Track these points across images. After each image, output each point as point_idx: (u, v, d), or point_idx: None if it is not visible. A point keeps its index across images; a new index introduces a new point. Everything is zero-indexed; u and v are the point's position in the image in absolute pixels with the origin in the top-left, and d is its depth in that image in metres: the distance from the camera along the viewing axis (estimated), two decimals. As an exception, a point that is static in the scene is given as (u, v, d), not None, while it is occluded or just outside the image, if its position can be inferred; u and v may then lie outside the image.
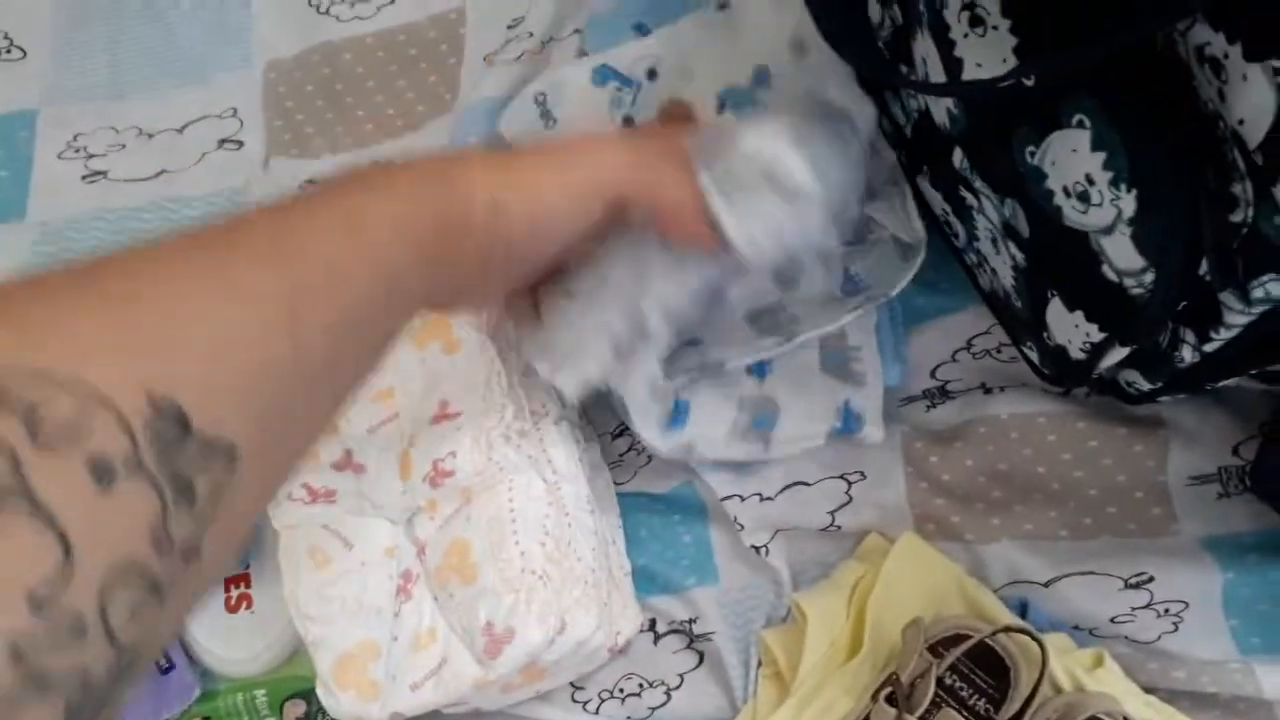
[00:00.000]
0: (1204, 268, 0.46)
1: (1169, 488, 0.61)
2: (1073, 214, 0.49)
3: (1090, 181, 0.46)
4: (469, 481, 0.57)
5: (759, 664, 0.61)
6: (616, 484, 0.67)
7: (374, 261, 0.36)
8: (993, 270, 0.60)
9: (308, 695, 0.63)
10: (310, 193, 0.37)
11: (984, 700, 0.55)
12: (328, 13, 0.78)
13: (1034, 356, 0.61)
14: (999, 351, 0.66)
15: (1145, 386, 0.58)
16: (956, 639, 0.54)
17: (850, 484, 0.63)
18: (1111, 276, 0.49)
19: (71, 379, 0.25)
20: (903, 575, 0.59)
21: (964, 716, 0.53)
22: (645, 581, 0.64)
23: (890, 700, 0.54)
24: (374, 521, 0.59)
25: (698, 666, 0.63)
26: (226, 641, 0.64)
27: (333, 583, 0.58)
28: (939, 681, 0.54)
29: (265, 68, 0.78)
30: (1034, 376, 0.63)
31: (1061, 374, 0.59)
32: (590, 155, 0.45)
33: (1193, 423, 0.61)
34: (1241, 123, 0.42)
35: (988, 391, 0.64)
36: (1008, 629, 0.55)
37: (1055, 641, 0.57)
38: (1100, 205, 0.47)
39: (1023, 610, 0.59)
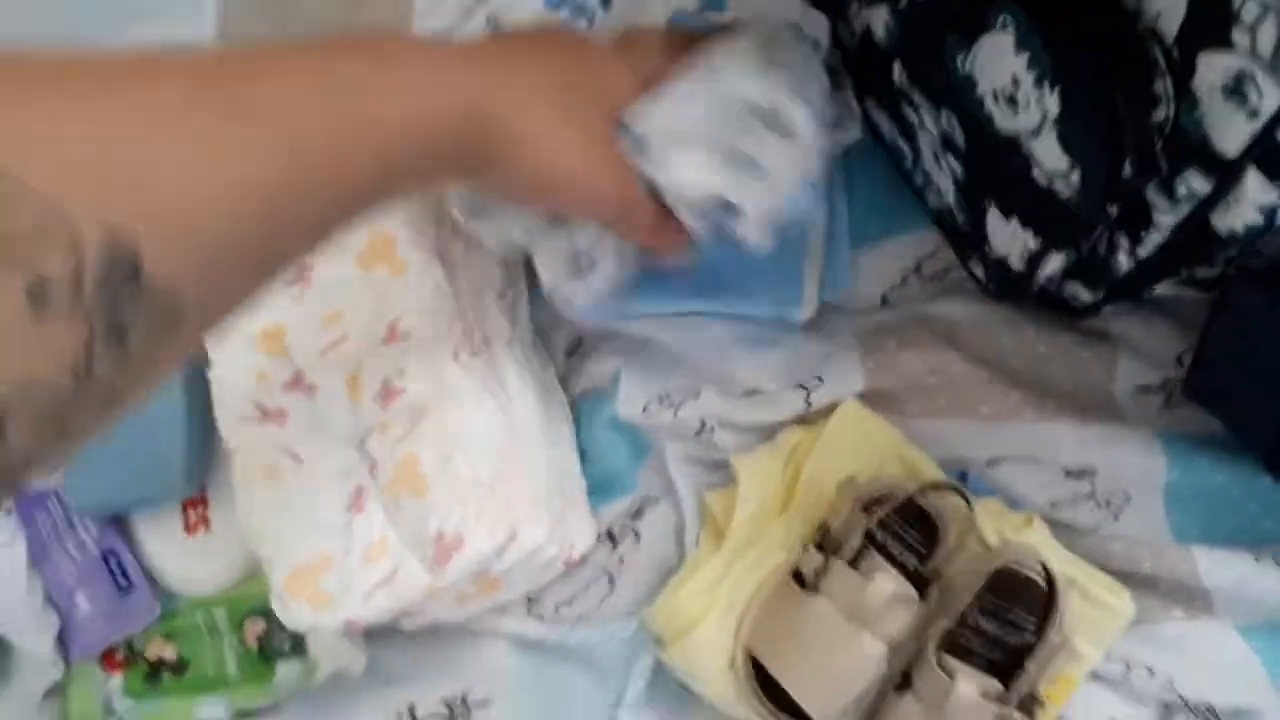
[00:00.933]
0: (1131, 170, 0.46)
1: (1116, 396, 0.61)
2: (1002, 119, 0.49)
3: (1016, 84, 0.47)
4: (419, 400, 0.57)
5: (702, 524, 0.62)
6: (573, 396, 0.67)
7: (375, 151, 0.35)
8: (938, 188, 0.60)
9: (267, 612, 0.64)
10: (320, 46, 0.35)
11: (913, 556, 0.56)
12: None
13: (980, 273, 0.62)
14: (947, 274, 0.66)
15: (1088, 298, 0.58)
16: (888, 498, 0.56)
17: (808, 390, 0.63)
18: (1042, 180, 0.49)
19: (41, 196, 0.24)
20: (842, 439, 0.60)
21: (892, 567, 0.54)
22: (600, 490, 0.65)
23: (819, 548, 0.55)
24: (326, 440, 0.60)
25: (636, 543, 0.64)
26: (185, 562, 0.65)
27: (285, 499, 0.59)
28: (869, 536, 0.55)
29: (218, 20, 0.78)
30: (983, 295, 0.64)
31: (1005, 288, 0.60)
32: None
33: (1139, 334, 0.61)
34: (1159, 16, 0.42)
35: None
36: (936, 485, 0.56)
37: (987, 505, 0.58)
38: (1027, 107, 0.47)
39: (962, 479, 0.60)
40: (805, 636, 0.55)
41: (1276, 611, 0.56)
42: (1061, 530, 0.59)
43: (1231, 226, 0.46)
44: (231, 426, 0.60)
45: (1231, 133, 0.41)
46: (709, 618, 0.58)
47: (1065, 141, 0.46)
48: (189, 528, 0.66)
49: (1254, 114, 0.40)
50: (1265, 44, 0.38)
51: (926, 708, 0.52)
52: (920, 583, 0.55)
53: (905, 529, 0.56)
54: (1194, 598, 0.58)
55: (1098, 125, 0.45)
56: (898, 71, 0.56)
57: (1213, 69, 0.40)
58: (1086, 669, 0.56)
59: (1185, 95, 0.43)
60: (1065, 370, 0.62)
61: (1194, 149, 0.44)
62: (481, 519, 0.55)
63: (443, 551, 0.55)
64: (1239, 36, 0.39)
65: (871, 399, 0.62)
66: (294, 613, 0.57)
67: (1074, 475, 0.60)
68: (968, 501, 0.56)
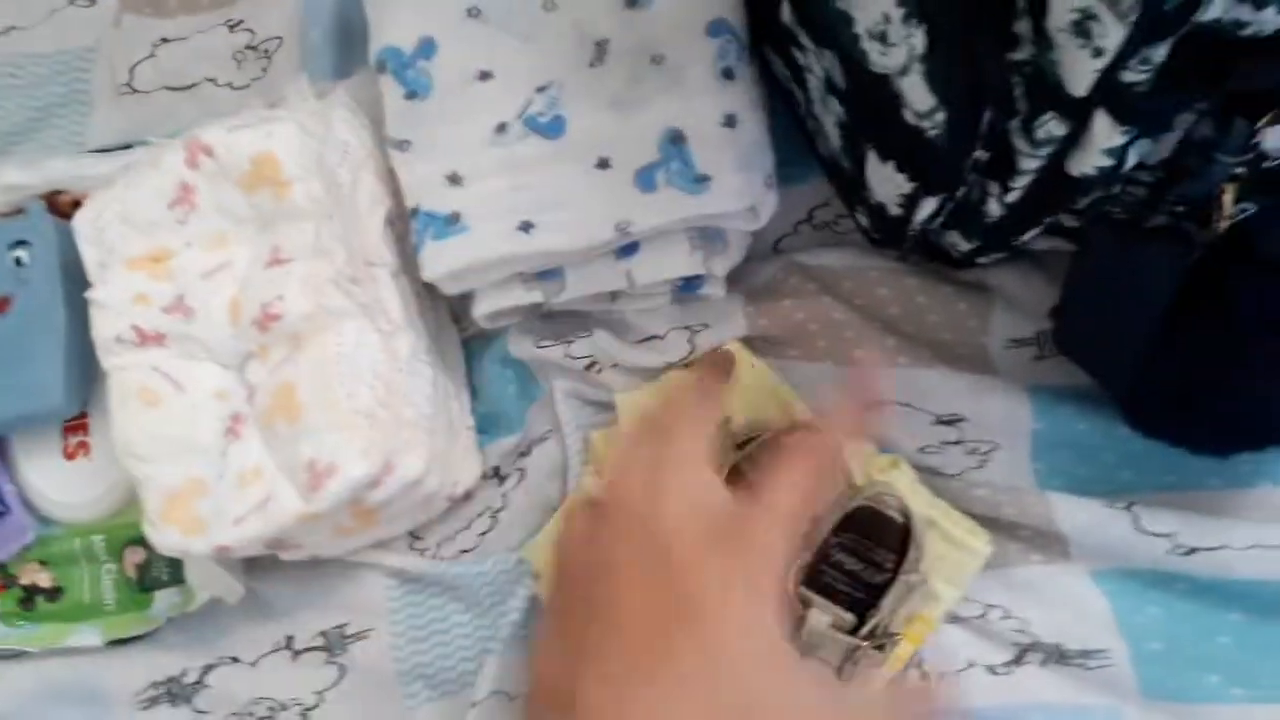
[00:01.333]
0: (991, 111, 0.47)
1: (989, 349, 0.63)
2: (876, 57, 0.50)
3: (887, 20, 0.47)
4: (298, 326, 0.57)
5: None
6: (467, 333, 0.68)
7: None
8: (826, 133, 0.61)
9: (147, 541, 0.63)
10: None
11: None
12: None
13: (864, 221, 0.63)
14: (837, 223, 0.67)
15: (964, 246, 0.60)
16: (757, 436, 0.57)
17: (693, 331, 0.64)
18: (911, 120, 0.50)
19: None
20: None
21: None
22: (489, 428, 0.66)
23: None
24: (205, 364, 0.59)
25: (521, 480, 0.65)
26: (63, 487, 0.64)
27: (161, 422, 0.58)
28: (737, 470, 0.56)
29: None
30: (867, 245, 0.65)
31: (885, 234, 0.61)
32: None
33: (1015, 287, 0.63)
34: (1016, -46, 0.43)
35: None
36: (804, 425, 0.57)
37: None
38: (897, 45, 0.48)
39: None
40: None
41: (1125, 558, 0.58)
42: (927, 475, 0.61)
43: (1084, 170, 0.47)
44: (109, 348, 0.59)
45: (1080, 73, 0.42)
46: None
47: (931, 80, 0.47)
48: (68, 453, 0.65)
49: (1099, 52, 0.41)
50: (1106, -20, 0.39)
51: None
52: None
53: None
54: (1052, 543, 0.59)
55: (960, 64, 0.46)
56: (785, 10, 0.57)
57: (1061, 7, 0.41)
58: (945, 609, 0.58)
59: (1042, 35, 0.44)
60: (942, 321, 0.63)
61: (1051, 91, 0.45)
62: (354, 446, 0.55)
63: (315, 478, 0.55)
64: (1084, -27, 0.40)
65: (754, 342, 0.63)
66: (166, 537, 0.57)
67: (944, 422, 0.61)
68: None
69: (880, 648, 0.54)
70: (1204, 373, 0.52)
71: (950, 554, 0.57)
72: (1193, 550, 0.57)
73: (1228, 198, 0.49)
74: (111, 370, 0.59)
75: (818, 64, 0.56)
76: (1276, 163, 0.51)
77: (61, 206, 0.66)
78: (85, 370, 0.62)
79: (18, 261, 0.63)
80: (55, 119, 0.74)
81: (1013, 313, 0.63)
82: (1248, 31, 0.41)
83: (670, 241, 0.60)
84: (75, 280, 0.61)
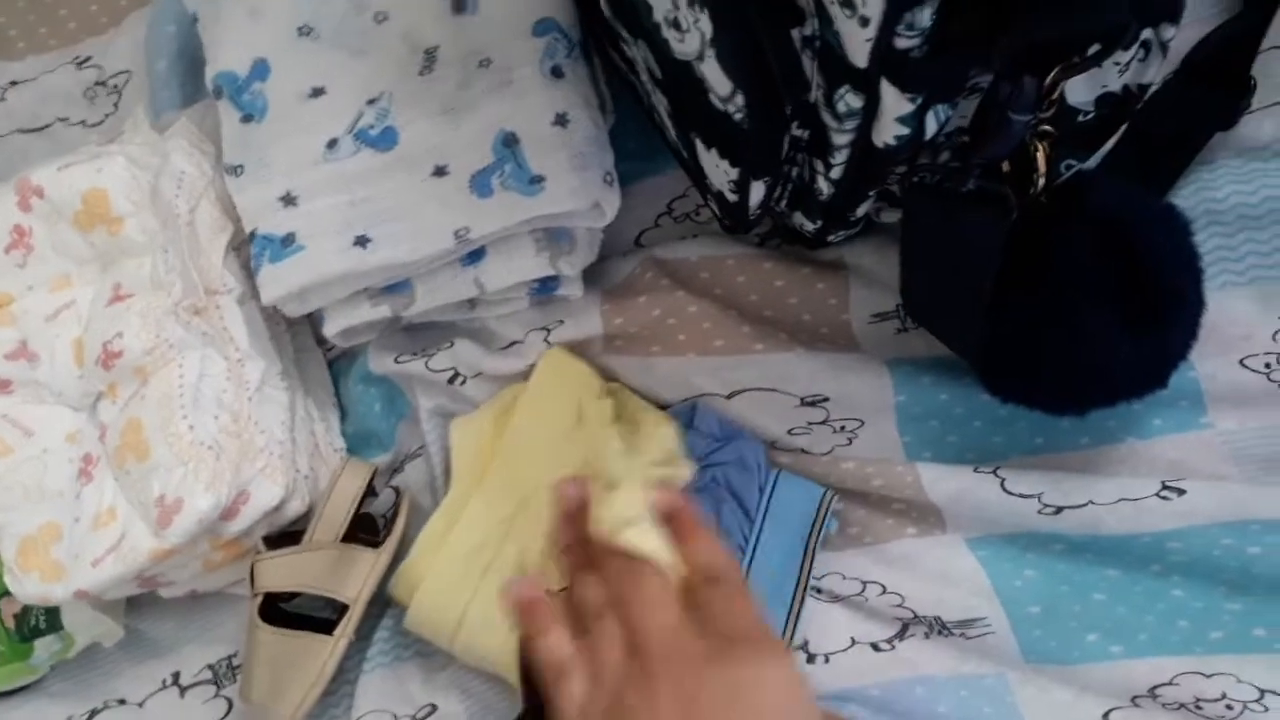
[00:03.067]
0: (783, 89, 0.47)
1: (852, 325, 0.62)
2: (675, 44, 0.49)
3: (676, 6, 0.47)
4: (140, 361, 0.57)
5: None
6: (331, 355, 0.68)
7: None
8: (664, 123, 0.61)
9: (22, 591, 0.63)
10: None
11: None
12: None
13: (714, 207, 0.62)
14: (697, 213, 0.67)
15: (810, 226, 0.59)
16: None
17: (549, 331, 0.63)
18: (719, 105, 0.49)
19: None
20: (547, 387, 0.61)
21: None
22: (360, 446, 0.66)
23: None
24: (54, 409, 0.59)
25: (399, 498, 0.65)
26: (-70, 543, 0.63)
27: (13, 469, 0.58)
28: None
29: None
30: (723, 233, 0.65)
31: (732, 220, 0.61)
32: None
33: (871, 263, 0.62)
34: (784, -69, 0.42)
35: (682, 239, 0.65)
36: None
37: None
38: (689, 31, 0.47)
39: (691, 414, 0.61)
40: None
41: (997, 523, 0.58)
42: (797, 455, 0.60)
43: (885, 140, 0.46)
44: (-46, 400, 0.59)
45: (855, 43, 0.42)
46: (432, 576, 0.58)
47: (723, 63, 0.46)
48: (-66, 509, 0.64)
49: (865, 21, 0.40)
50: (854, -51, 0.38)
51: None
52: None
53: None
54: (926, 514, 0.59)
55: (744, 45, 0.45)
56: (604, 4, 0.56)
57: (826, -21, 0.41)
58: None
59: (822, 10, 0.43)
60: (802, 302, 0.62)
61: (839, 64, 0.44)
62: (200, 479, 0.54)
63: (164, 514, 0.54)
64: (838, -56, 0.39)
65: (615, 340, 0.63)
66: (25, 585, 0.57)
67: (809, 403, 0.61)
68: None
69: None
70: (1041, 334, 0.52)
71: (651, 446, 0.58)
72: (1060, 509, 0.57)
73: (1040, 156, 0.48)
74: (-41, 422, 0.58)
75: (639, 56, 0.56)
76: (1090, 116, 0.51)
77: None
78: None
79: None
80: (-94, 169, 0.74)
81: (871, 288, 0.62)
82: (1014, -13, 0.40)
83: (515, 245, 0.59)
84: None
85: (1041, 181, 0.49)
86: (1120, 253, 0.51)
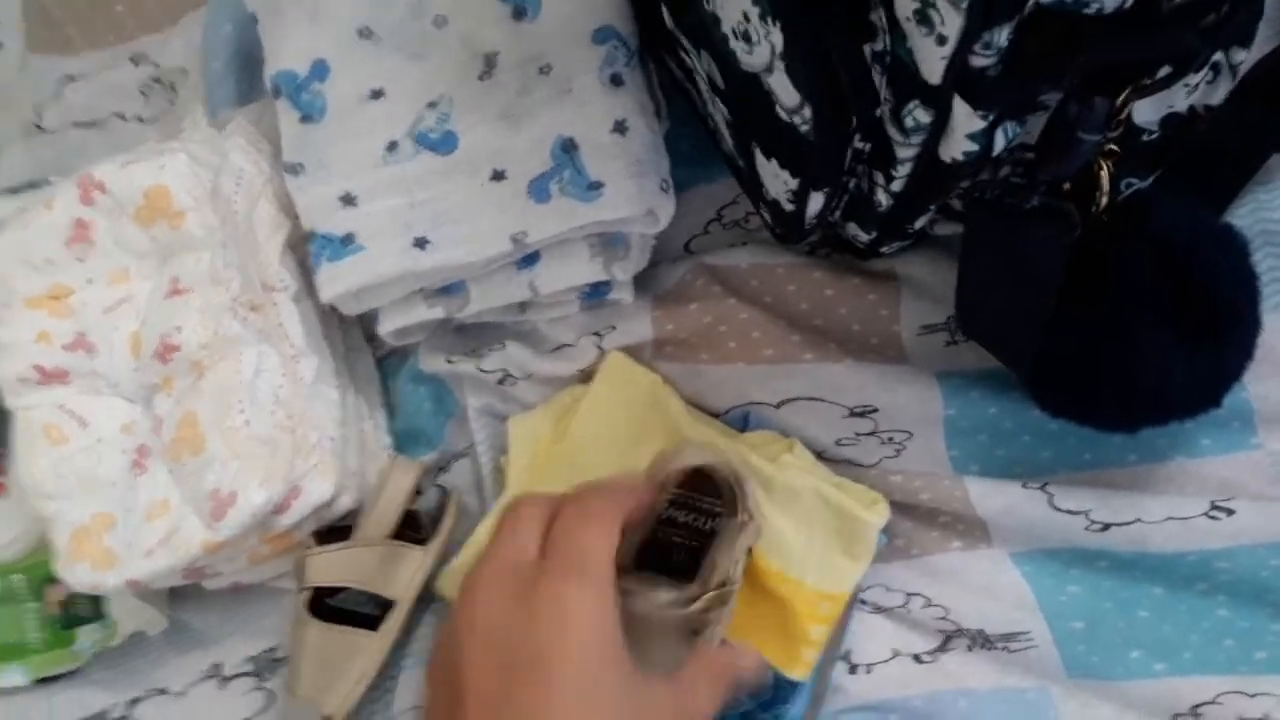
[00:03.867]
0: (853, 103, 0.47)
1: (901, 336, 0.63)
2: (744, 56, 0.50)
3: (747, 19, 0.47)
4: (197, 355, 0.57)
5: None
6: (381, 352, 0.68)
7: None
8: (721, 131, 0.61)
9: (68, 578, 0.63)
10: None
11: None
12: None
13: (766, 217, 0.63)
14: (747, 221, 0.67)
15: (864, 237, 0.60)
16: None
17: (601, 336, 0.64)
18: (785, 117, 0.50)
19: None
20: (608, 392, 0.61)
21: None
22: (408, 444, 0.66)
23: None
24: (110, 400, 0.60)
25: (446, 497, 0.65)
26: (-21, 528, 0.64)
27: (67, 459, 0.58)
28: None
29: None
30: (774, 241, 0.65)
31: (786, 229, 0.61)
32: None
33: (923, 274, 0.63)
34: (861, -52, 0.43)
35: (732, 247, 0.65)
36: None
37: (751, 437, 0.60)
38: (759, 43, 0.48)
39: (745, 421, 0.61)
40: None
41: (1044, 538, 0.58)
42: (845, 466, 0.60)
43: (953, 156, 0.47)
44: (12, 389, 0.59)
45: (930, 60, 0.42)
46: None
47: (792, 76, 0.47)
48: (-17, 494, 0.65)
49: (942, 40, 0.41)
50: (936, -32, 0.39)
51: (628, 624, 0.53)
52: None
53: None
54: (972, 528, 0.59)
55: (816, 57, 0.45)
56: (665, 14, 0.57)
57: (904, -3, 0.41)
58: (852, 581, 0.57)
59: (895, 25, 0.44)
60: (852, 312, 0.63)
61: (911, 80, 0.45)
62: (255, 473, 0.55)
63: (218, 507, 0.55)
64: (918, -37, 0.40)
65: (665, 346, 0.63)
66: (77, 573, 0.57)
67: (857, 414, 0.61)
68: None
69: (724, 601, 0.52)
70: (1098, 351, 0.52)
71: (848, 527, 0.57)
72: (1107, 526, 0.57)
73: (1104, 175, 0.49)
74: (16, 410, 0.59)
75: (700, 65, 0.56)
76: (1154, 136, 0.51)
77: (-30, 249, 0.66)
78: (-8, 410, 0.62)
79: (-78, 306, 0.63)
80: (-35, 162, 0.75)
81: (922, 300, 0.62)
82: (1091, 9, 0.40)
83: (570, 249, 0.60)
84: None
85: (1104, 200, 0.49)
86: (1178, 271, 0.51)
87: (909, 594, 0.59)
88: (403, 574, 0.60)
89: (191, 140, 0.61)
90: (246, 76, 0.70)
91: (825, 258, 0.65)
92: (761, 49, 0.48)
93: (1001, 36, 0.40)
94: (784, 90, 0.48)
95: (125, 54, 0.74)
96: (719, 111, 0.58)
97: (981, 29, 0.40)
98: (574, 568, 0.40)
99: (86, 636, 0.64)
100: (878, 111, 0.48)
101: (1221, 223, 0.53)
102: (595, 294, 0.63)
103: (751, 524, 0.53)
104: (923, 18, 0.41)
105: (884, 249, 0.61)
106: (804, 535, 0.57)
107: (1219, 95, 0.48)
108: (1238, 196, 0.58)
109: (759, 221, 0.66)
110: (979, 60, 0.41)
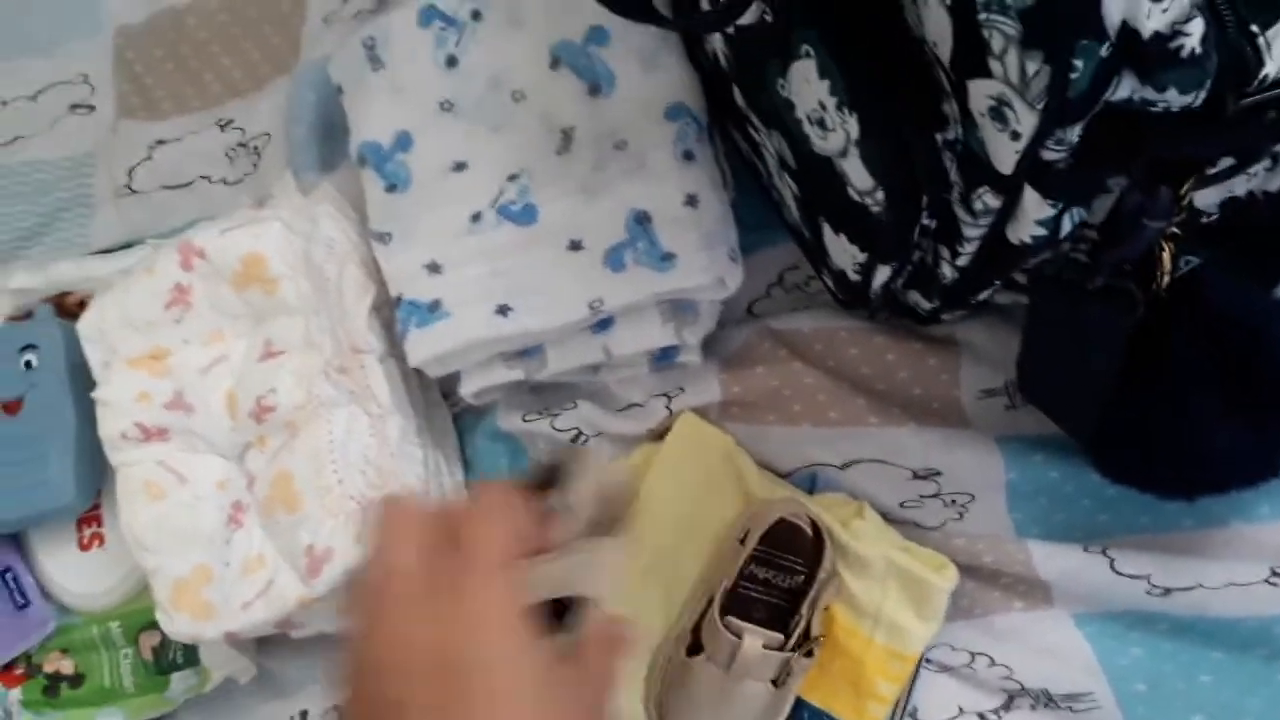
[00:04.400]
0: (927, 188, 0.50)
1: (961, 400, 0.64)
2: (817, 140, 0.52)
3: (823, 107, 0.50)
4: (291, 416, 0.60)
5: None
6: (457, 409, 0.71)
7: None
8: (786, 203, 0.63)
9: (160, 626, 0.66)
10: None
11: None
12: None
13: (830, 284, 0.65)
14: (808, 284, 0.69)
15: (926, 306, 0.62)
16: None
17: (670, 397, 0.66)
18: (856, 198, 0.52)
19: None
20: (679, 452, 0.63)
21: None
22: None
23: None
24: (206, 457, 0.63)
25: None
26: (80, 578, 0.67)
27: (168, 514, 0.61)
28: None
29: (115, 34, 0.80)
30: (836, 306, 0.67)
31: (850, 297, 0.63)
32: None
33: (982, 339, 0.64)
34: (935, 44, 0.45)
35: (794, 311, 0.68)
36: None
37: (822, 499, 0.62)
38: (834, 130, 0.50)
39: (812, 483, 0.64)
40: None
41: (1106, 601, 0.60)
42: (910, 528, 0.62)
43: (1021, 238, 0.49)
44: (115, 445, 0.63)
45: (1003, 153, 0.44)
46: None
47: (867, 161, 0.49)
48: (83, 544, 0.68)
49: (1016, 135, 0.43)
50: (1013, 72, 0.41)
51: (720, 667, 0.57)
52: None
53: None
54: (1034, 590, 0.61)
55: (891, 146, 0.48)
56: (737, 94, 0.59)
57: (979, 94, 0.44)
58: (922, 643, 0.60)
59: (967, 116, 0.46)
60: (913, 376, 0.65)
61: (982, 168, 0.47)
62: (349, 531, 0.58)
63: (313, 563, 0.58)
64: (994, 64, 0.42)
65: (732, 408, 0.65)
66: (177, 624, 0.60)
67: (921, 476, 0.63)
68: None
69: (809, 654, 0.58)
70: (1156, 422, 0.54)
71: (917, 590, 0.59)
72: (1168, 591, 0.59)
73: (1166, 256, 0.51)
74: (119, 466, 0.62)
75: (770, 143, 0.59)
76: (1213, 218, 0.53)
77: (69, 307, 0.70)
78: (95, 466, 0.65)
79: (28, 365, 0.66)
80: (60, 223, 0.79)
81: (981, 365, 0.64)
82: (1158, 108, 0.42)
83: (643, 315, 0.62)
84: (82, 380, 0.65)
85: (1166, 279, 0.51)
86: (1235, 347, 0.53)
87: (974, 653, 0.61)
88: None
89: (283, 207, 0.64)
90: (328, 143, 0.74)
91: (885, 322, 0.67)
92: (837, 135, 0.50)
93: (1073, 134, 0.42)
94: (857, 174, 0.51)
95: (211, 119, 0.78)
96: (787, 186, 0.60)
97: (1054, 127, 0.42)
98: (494, 565, 0.38)
99: (179, 683, 0.67)
100: (948, 195, 0.50)
101: (1274, 299, 0.55)
102: (665, 357, 0.65)
103: (833, 580, 0.56)
104: (997, 114, 0.43)
105: (945, 317, 0.63)
106: (876, 595, 0.59)
107: (1278, 183, 0.50)
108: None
109: (819, 285, 0.68)
110: (1050, 154, 0.44)
